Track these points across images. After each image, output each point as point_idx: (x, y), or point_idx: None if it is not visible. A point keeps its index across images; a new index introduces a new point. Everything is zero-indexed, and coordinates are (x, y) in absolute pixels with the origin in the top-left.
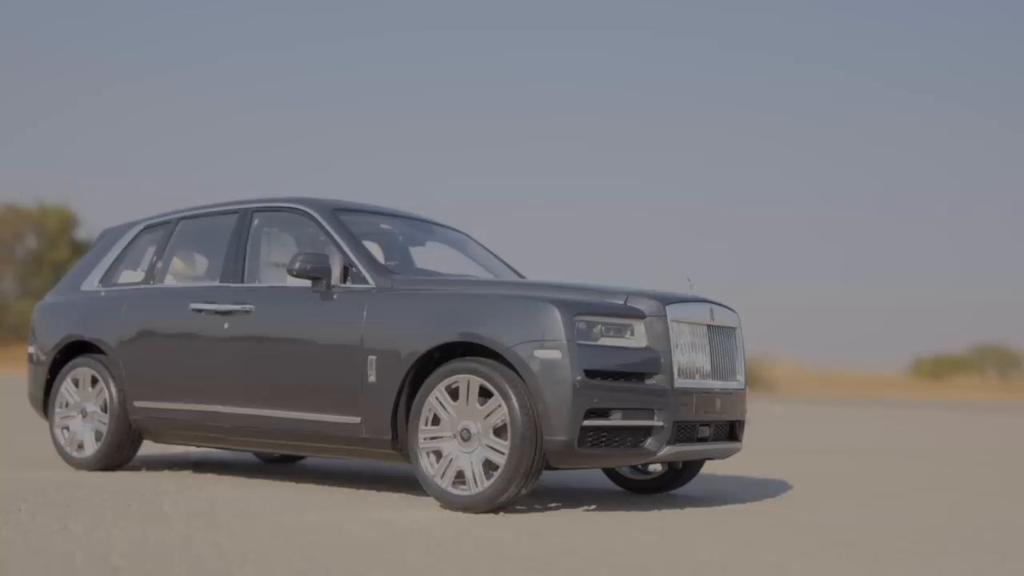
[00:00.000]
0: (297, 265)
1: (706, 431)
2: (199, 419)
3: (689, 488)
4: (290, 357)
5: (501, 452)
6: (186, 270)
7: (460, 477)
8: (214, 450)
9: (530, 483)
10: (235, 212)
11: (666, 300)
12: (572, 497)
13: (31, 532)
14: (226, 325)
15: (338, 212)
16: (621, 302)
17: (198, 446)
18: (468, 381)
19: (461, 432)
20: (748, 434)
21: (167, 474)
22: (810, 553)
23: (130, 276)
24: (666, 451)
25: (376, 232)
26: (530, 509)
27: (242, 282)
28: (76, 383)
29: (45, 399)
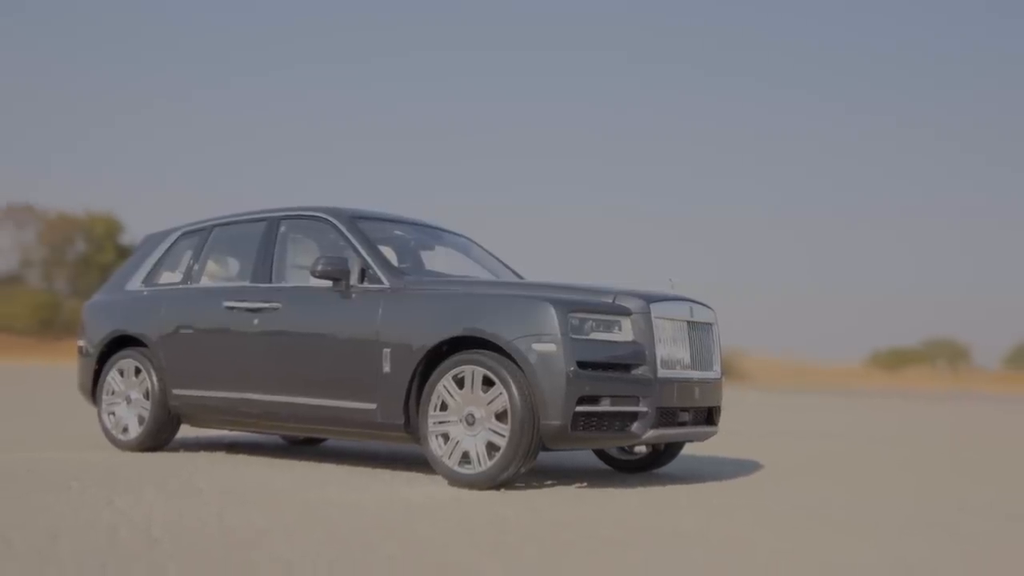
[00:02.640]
0: (319, 267)
1: (686, 416)
2: (231, 405)
3: (671, 467)
4: (313, 350)
5: (502, 435)
6: (220, 271)
7: (466, 457)
8: (245, 433)
9: (528, 463)
10: (263, 220)
11: (650, 299)
12: (566, 475)
13: (81, 507)
14: (256, 321)
15: (356, 219)
16: (610, 300)
17: (230, 429)
18: (473, 371)
19: (466, 417)
20: (724, 419)
21: (202, 454)
22: (779, 526)
23: (169, 277)
24: (650, 434)
25: (390, 237)
26: (528, 486)
27: (270, 282)
28: (121, 373)
29: (93, 388)
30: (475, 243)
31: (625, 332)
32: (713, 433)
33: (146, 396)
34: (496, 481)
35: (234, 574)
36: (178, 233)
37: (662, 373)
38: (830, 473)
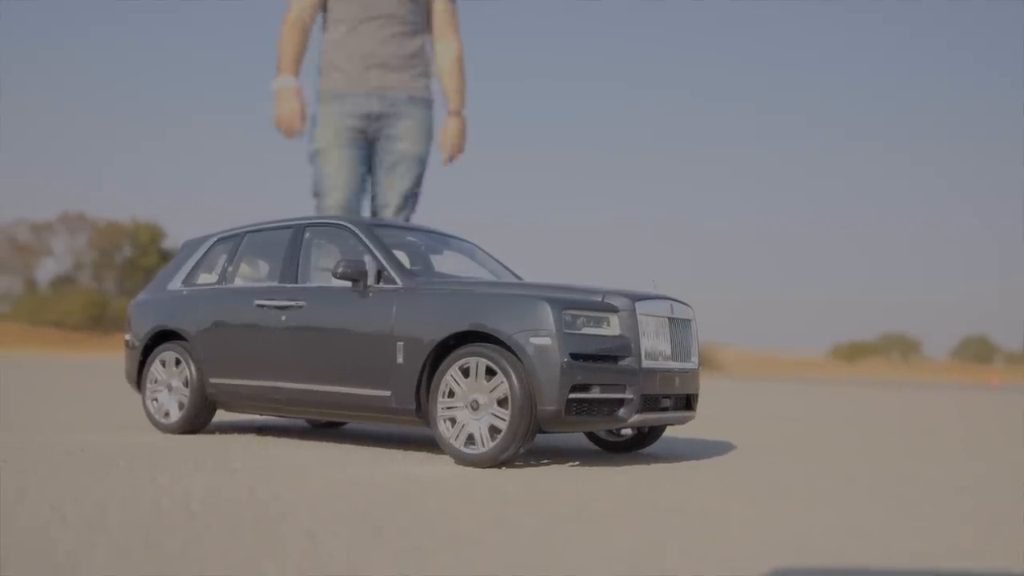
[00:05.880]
0: (340, 269)
1: (667, 402)
2: (262, 392)
3: (653, 448)
4: (335, 343)
5: (503, 419)
6: (251, 273)
7: (471, 439)
8: (273, 417)
9: (526, 444)
10: (290, 227)
11: (635, 297)
12: (560, 455)
13: (127, 483)
14: (283, 317)
15: (373, 227)
16: (599, 299)
17: (261, 414)
18: (477, 362)
19: (471, 403)
20: (701, 405)
21: (236, 436)
22: (750, 499)
23: (206, 278)
24: (635, 418)
25: (403, 243)
26: (526, 464)
27: (296, 283)
28: (163, 364)
29: (138, 377)
30: (479, 248)
31: (613, 327)
32: (691, 417)
33: (185, 384)
34: (498, 460)
35: (264, 543)
36: (214, 239)
37: (646, 364)
38: (795, 452)
